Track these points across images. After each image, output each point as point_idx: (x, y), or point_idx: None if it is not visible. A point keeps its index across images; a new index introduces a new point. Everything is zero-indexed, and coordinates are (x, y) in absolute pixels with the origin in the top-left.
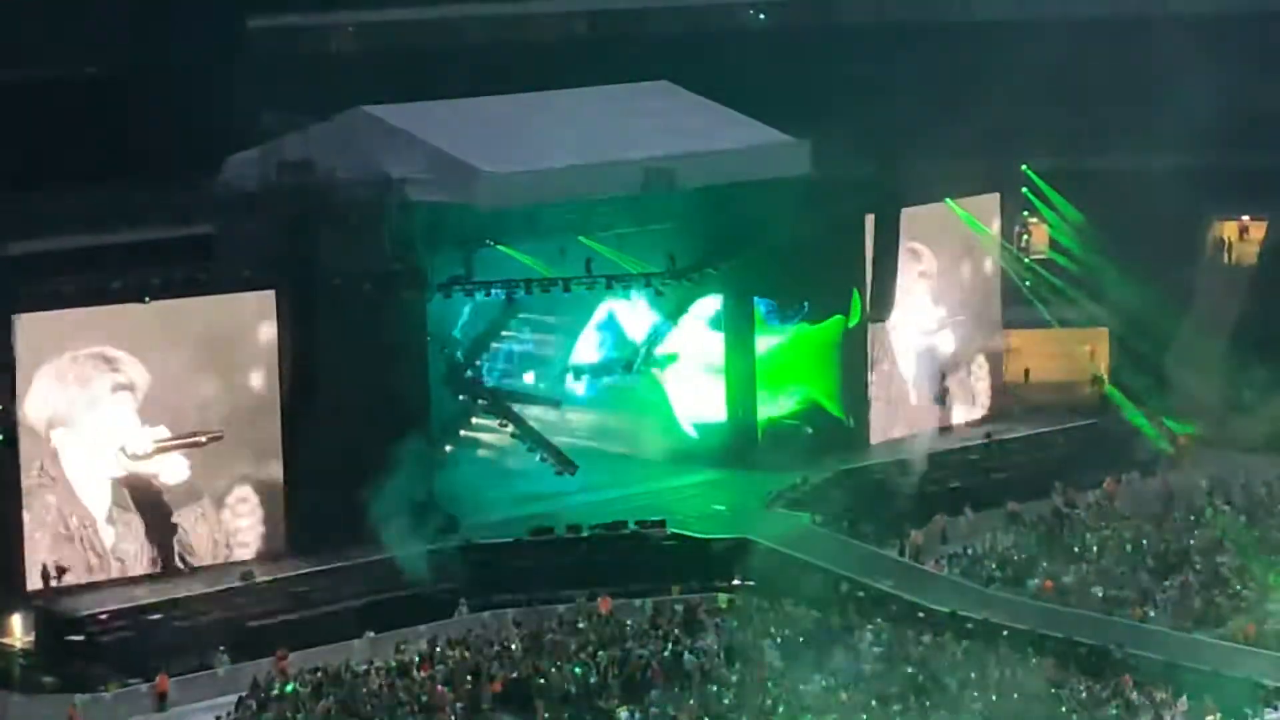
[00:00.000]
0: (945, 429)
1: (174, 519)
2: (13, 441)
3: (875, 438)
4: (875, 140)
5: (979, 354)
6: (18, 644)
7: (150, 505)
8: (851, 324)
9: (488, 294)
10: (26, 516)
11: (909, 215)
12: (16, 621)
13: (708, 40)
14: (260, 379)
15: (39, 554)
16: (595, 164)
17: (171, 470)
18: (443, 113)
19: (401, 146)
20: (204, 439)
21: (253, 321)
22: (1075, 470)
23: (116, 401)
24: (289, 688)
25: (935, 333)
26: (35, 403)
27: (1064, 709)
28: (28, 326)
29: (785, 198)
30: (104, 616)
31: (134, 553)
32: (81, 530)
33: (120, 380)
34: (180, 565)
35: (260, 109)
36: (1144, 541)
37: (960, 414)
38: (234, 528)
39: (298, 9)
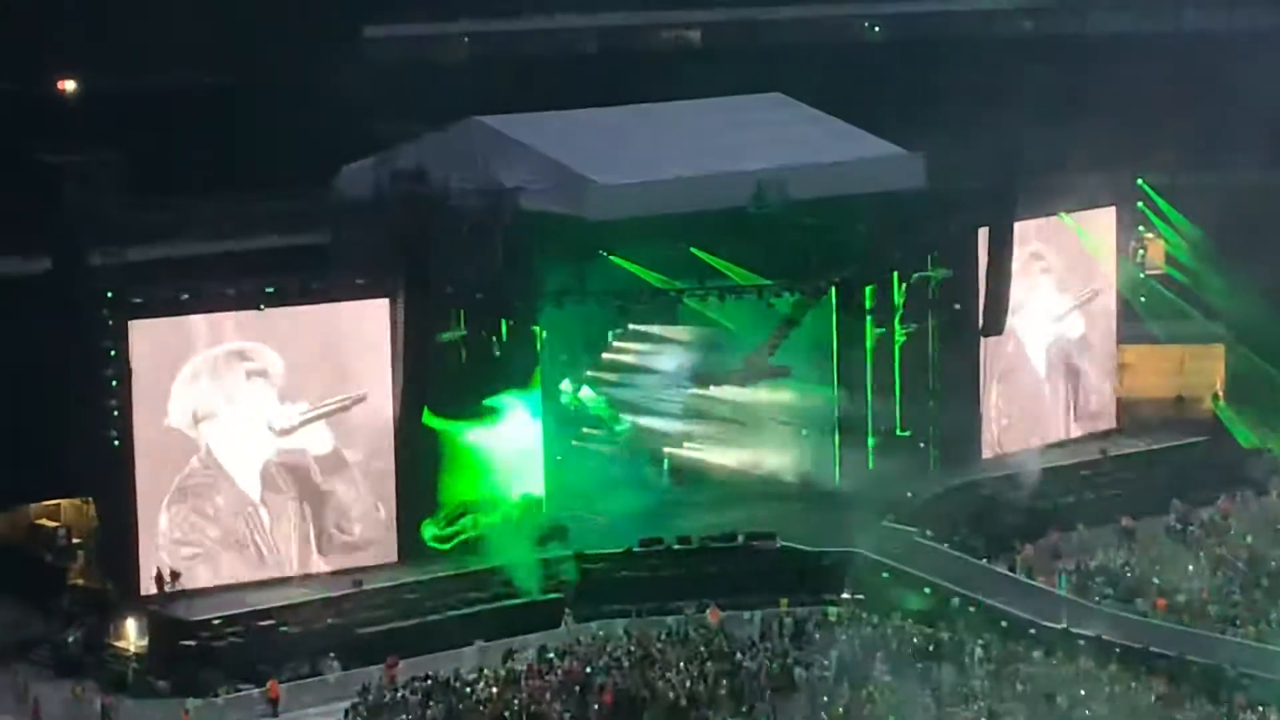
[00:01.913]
0: (1059, 444)
1: (323, 487)
2: (126, 445)
3: (996, 450)
4: (989, 153)
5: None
6: (131, 649)
7: (301, 481)
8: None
9: (599, 304)
10: (194, 517)
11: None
12: (131, 626)
13: (821, 52)
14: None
15: (206, 548)
16: (707, 175)
17: (318, 441)
18: (555, 123)
19: (514, 156)
20: (349, 402)
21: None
22: (1190, 487)
23: (253, 387)
24: (399, 696)
25: (1063, 318)
26: (179, 405)
27: None
28: (150, 331)
29: (898, 211)
30: (217, 622)
31: (287, 535)
32: (246, 515)
33: (253, 367)
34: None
35: (375, 118)
36: (1259, 560)
37: (1080, 426)
38: (383, 491)
39: (413, 19)
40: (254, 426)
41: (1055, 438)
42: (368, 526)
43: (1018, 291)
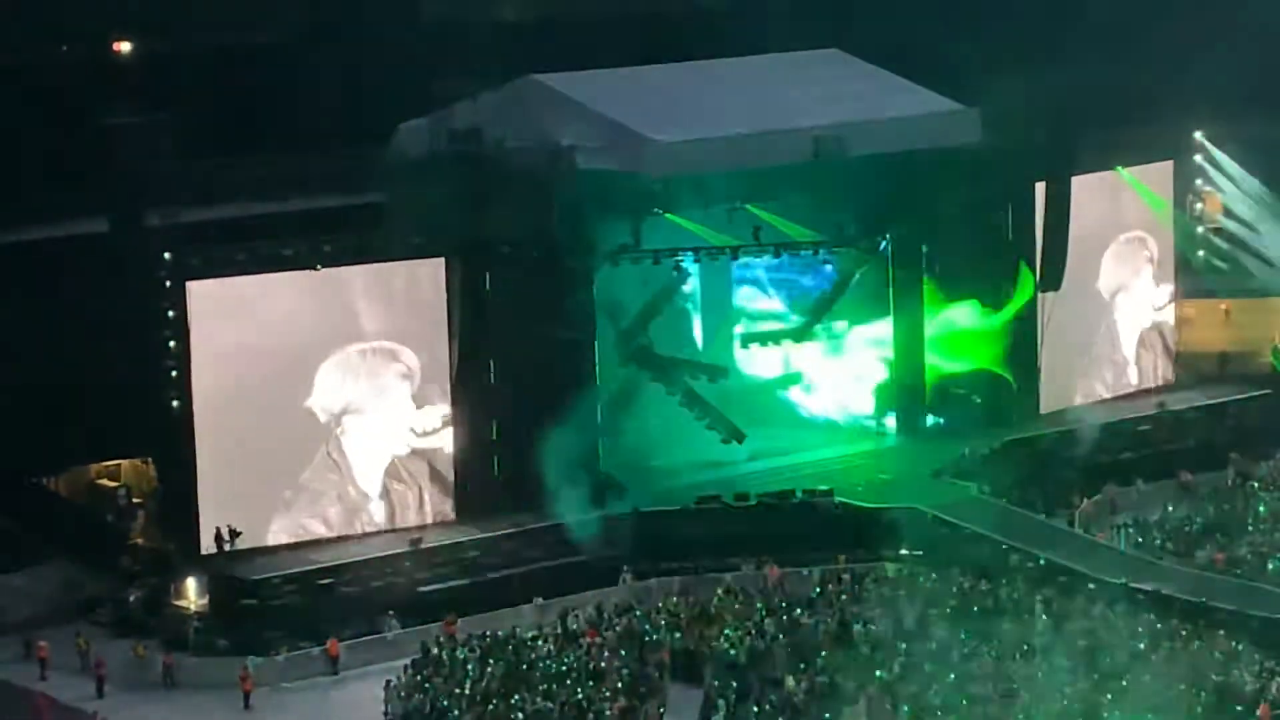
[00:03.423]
0: (1116, 399)
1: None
2: (185, 406)
3: (1054, 405)
4: (1046, 107)
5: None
6: (192, 607)
7: (429, 470)
8: (1022, 299)
9: (656, 262)
10: (303, 497)
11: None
12: (191, 585)
13: (878, 6)
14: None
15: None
16: (764, 132)
17: (448, 438)
18: (611, 81)
19: (570, 115)
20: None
21: None
22: (1249, 441)
23: (401, 390)
24: (458, 653)
25: (1163, 308)
26: (324, 392)
27: (1236, 680)
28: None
29: (955, 166)
30: (276, 581)
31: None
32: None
33: (403, 369)
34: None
35: (431, 77)
36: None
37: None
38: None
39: None
40: (394, 426)
41: (1113, 393)
42: None
43: (1121, 275)
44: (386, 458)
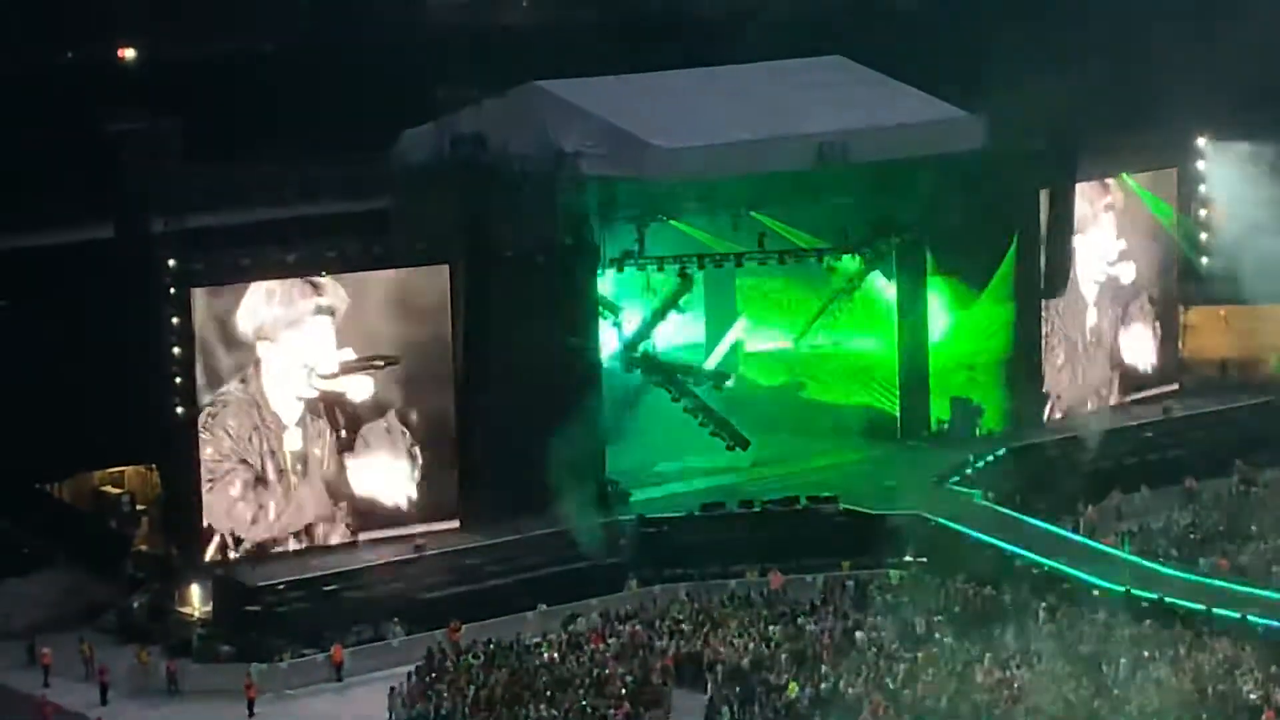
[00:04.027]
0: (1121, 405)
1: (362, 430)
2: (189, 412)
3: (1059, 411)
4: (1050, 115)
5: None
6: (196, 614)
7: (343, 414)
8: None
9: (660, 269)
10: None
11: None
12: (195, 591)
13: (881, 14)
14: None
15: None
16: (767, 138)
17: (358, 388)
18: (615, 87)
19: (574, 121)
20: (381, 363)
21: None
22: (1254, 448)
23: (317, 324)
24: (462, 660)
25: (1116, 264)
26: (244, 315)
27: (1239, 689)
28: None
29: (959, 173)
30: (280, 587)
31: (319, 458)
32: (267, 437)
33: (323, 303)
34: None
35: (435, 83)
36: None
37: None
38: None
39: None
40: (301, 363)
41: (1116, 399)
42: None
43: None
44: (296, 395)
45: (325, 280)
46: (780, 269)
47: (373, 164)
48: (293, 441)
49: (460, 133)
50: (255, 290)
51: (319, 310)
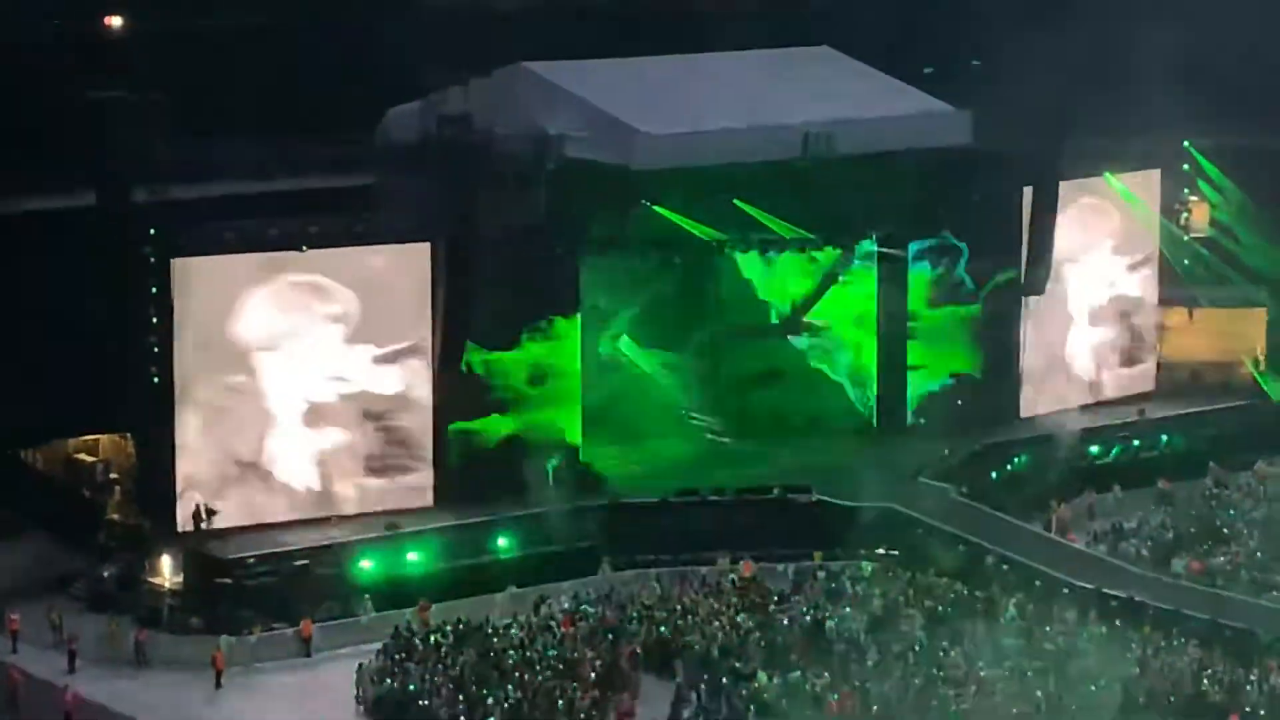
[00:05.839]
0: (1096, 405)
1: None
2: (166, 382)
3: (1027, 411)
4: (1036, 112)
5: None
6: (167, 585)
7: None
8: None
9: (643, 254)
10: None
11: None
12: (166, 563)
13: (870, 5)
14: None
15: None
16: (753, 127)
17: (387, 382)
18: (602, 72)
19: (560, 104)
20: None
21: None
22: (1228, 451)
23: (328, 333)
24: (431, 639)
25: (1116, 282)
26: (247, 325)
27: (1206, 690)
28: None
29: (944, 167)
30: (252, 561)
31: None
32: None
33: (333, 311)
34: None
35: (422, 63)
36: None
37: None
38: None
39: None
40: (316, 369)
41: (1093, 399)
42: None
43: (1073, 247)
44: (304, 399)
45: (331, 285)
46: (762, 259)
47: (357, 141)
48: (282, 433)
49: (446, 112)
50: (258, 298)
51: (331, 319)
